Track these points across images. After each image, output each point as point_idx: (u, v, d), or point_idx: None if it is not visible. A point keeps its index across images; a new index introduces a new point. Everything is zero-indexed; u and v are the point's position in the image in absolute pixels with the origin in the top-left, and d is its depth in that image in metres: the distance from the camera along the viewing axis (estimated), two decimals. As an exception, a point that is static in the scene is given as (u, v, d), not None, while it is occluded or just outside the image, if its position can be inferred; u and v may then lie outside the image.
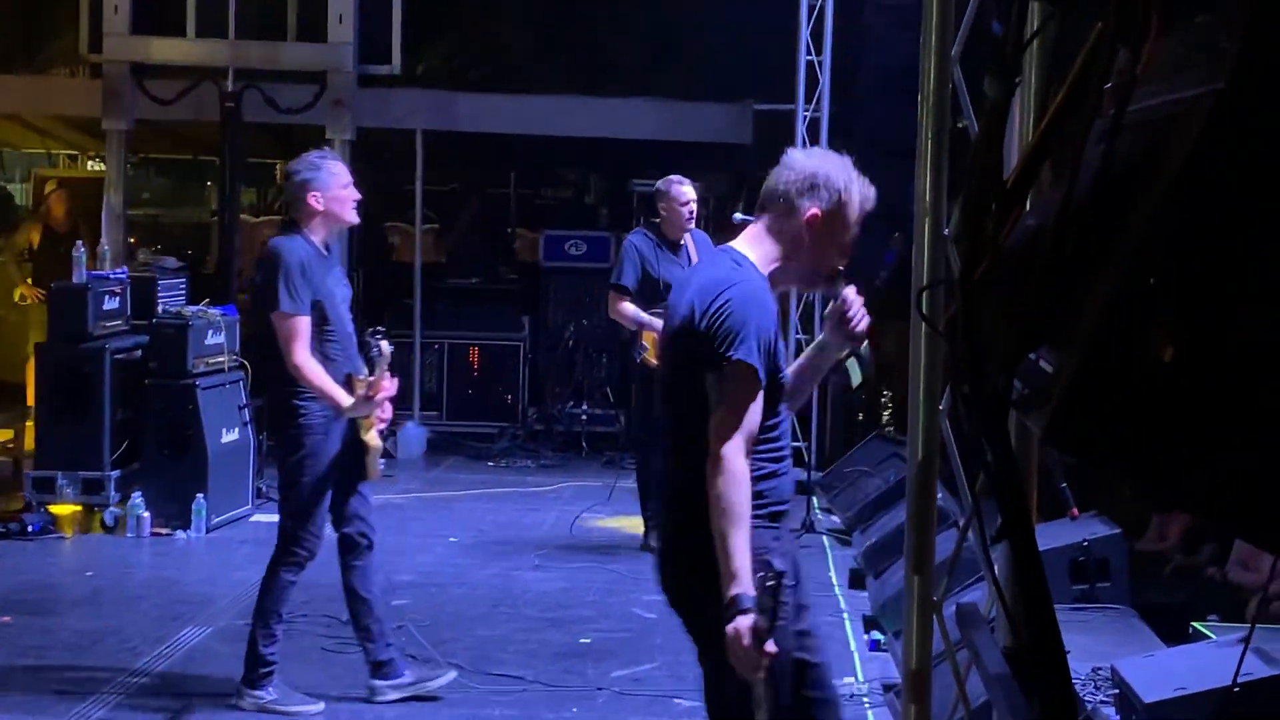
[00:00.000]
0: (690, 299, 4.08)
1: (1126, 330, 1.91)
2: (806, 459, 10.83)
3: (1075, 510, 7.52)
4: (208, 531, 9.93)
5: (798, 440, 9.78)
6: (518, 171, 17.77)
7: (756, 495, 3.89)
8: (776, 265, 4.13)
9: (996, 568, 2.88)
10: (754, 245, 4.17)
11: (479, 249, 15.18)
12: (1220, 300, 1.81)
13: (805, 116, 12.52)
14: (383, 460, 6.95)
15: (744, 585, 3.73)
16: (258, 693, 6.60)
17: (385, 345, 6.71)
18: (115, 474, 9.97)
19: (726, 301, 3.95)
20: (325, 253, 6.61)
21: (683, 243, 9.48)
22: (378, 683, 6.68)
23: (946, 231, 3.34)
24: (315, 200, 6.46)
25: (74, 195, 14.88)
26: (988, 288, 2.28)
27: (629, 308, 9.34)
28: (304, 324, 6.37)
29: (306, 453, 6.52)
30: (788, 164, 4.19)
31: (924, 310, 3.01)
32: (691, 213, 9.56)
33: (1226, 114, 1.84)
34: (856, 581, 8.92)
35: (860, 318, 4.07)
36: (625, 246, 9.62)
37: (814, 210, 4.07)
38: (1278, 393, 1.70)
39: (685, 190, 9.56)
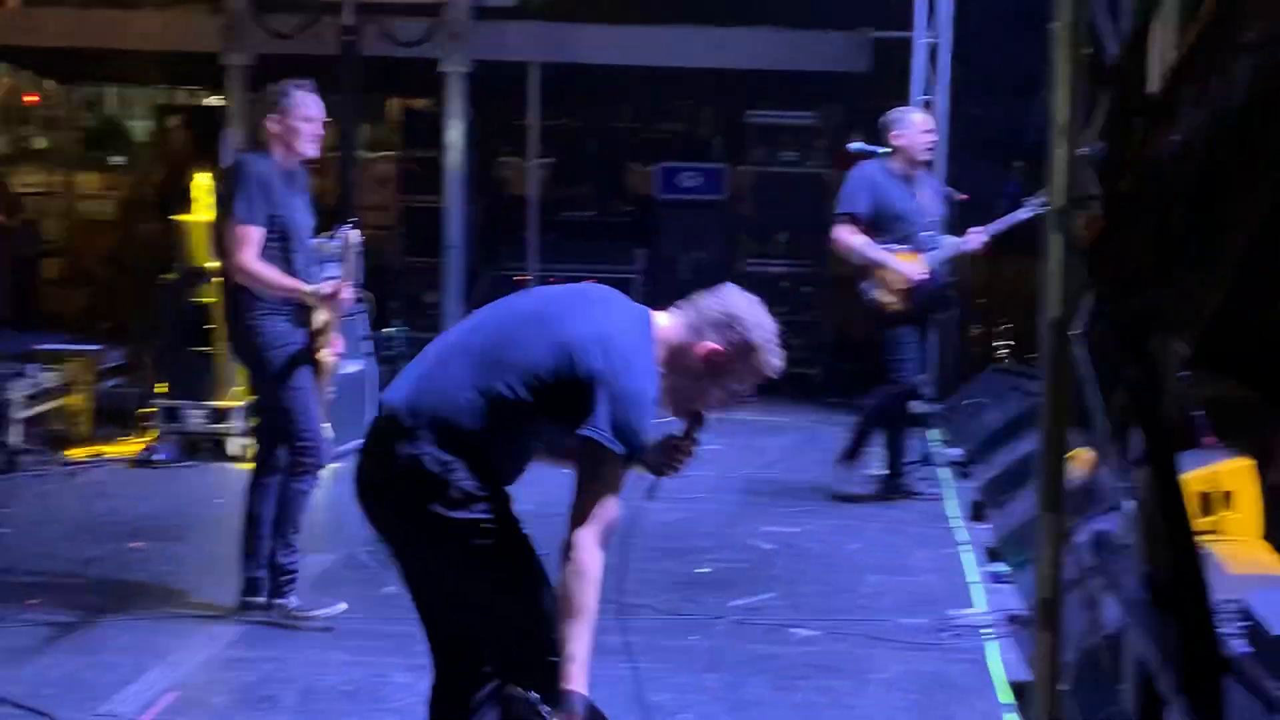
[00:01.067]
0: (587, 340, 3.98)
1: (1274, 258, 1.86)
2: (921, 393, 10.72)
3: (1209, 439, 7.40)
4: (336, 459, 10.04)
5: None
6: (631, 104, 17.73)
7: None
8: (662, 368, 4.08)
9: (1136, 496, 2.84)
10: (667, 333, 4.14)
11: (593, 182, 15.16)
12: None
13: (924, 44, 12.37)
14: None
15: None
16: (282, 601, 6.84)
17: (353, 233, 6.95)
18: (240, 404, 10.10)
19: (634, 388, 3.92)
20: (290, 177, 6.82)
21: (917, 174, 9.23)
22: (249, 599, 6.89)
23: (1081, 151, 3.27)
24: (272, 123, 6.74)
25: (194, 130, 15.07)
26: (1131, 207, 2.23)
27: (860, 239, 9.02)
28: (254, 233, 6.58)
29: (272, 367, 6.74)
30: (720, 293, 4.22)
31: (1062, 233, 2.95)
32: (933, 143, 9.34)
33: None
34: (978, 513, 8.87)
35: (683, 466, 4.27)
36: (856, 174, 9.17)
37: (716, 346, 4.08)
38: None
39: (923, 119, 9.37)
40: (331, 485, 9.54)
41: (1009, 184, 11.83)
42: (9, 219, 15.25)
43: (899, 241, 9.03)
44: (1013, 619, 6.80)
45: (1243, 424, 7.32)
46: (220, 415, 10.04)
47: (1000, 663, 6.45)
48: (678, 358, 4.08)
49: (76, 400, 10.46)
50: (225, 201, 6.76)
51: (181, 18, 15.71)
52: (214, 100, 17.02)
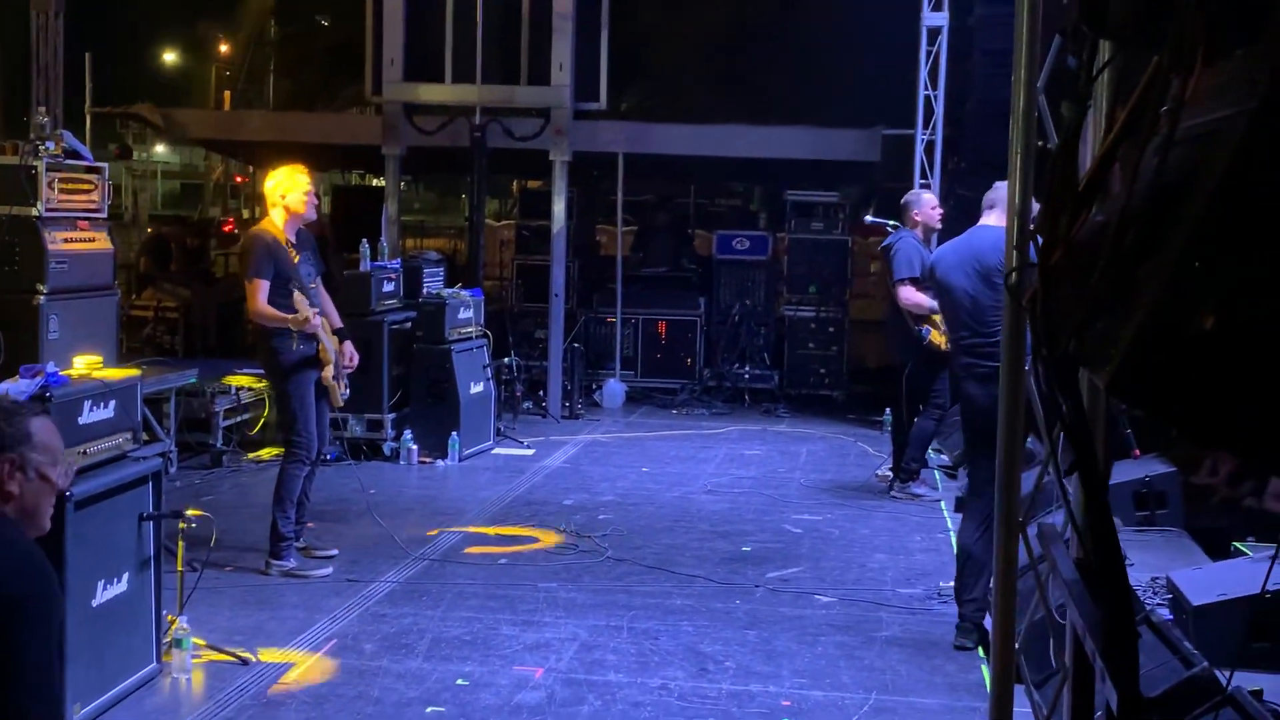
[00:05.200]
0: None
1: (1177, 304, 1.85)
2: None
3: (1137, 451, 7.31)
4: (460, 460, 10.11)
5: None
6: (696, 184, 17.75)
7: None
8: None
9: (1071, 496, 2.81)
10: None
11: (666, 245, 15.17)
12: (1254, 283, 1.75)
13: (923, 139, 12.31)
14: (345, 392, 7.24)
15: None
16: (280, 561, 7.01)
17: (301, 299, 7.00)
18: (391, 416, 10.19)
19: None
20: (293, 240, 7.13)
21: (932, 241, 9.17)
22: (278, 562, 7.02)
23: (1032, 227, 3.26)
24: (285, 197, 7.13)
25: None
26: (1062, 272, 2.21)
27: (922, 296, 8.77)
28: (259, 285, 6.93)
29: (288, 378, 7.01)
30: None
31: (1012, 291, 2.93)
32: (943, 216, 9.30)
33: (1258, 129, 1.76)
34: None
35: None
36: (907, 245, 8.96)
37: None
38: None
39: (933, 198, 9.39)
40: (459, 476, 9.64)
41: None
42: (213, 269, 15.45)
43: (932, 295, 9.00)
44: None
45: (1165, 439, 7.24)
46: (376, 425, 10.12)
47: (977, 624, 6.37)
48: None
49: (266, 413, 10.57)
50: (242, 266, 7.24)
51: (351, 118, 15.91)
52: (377, 183, 17.21)
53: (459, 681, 5.46)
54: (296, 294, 6.98)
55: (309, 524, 7.40)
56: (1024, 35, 2.90)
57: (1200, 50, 1.97)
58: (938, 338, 8.92)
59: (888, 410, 11.69)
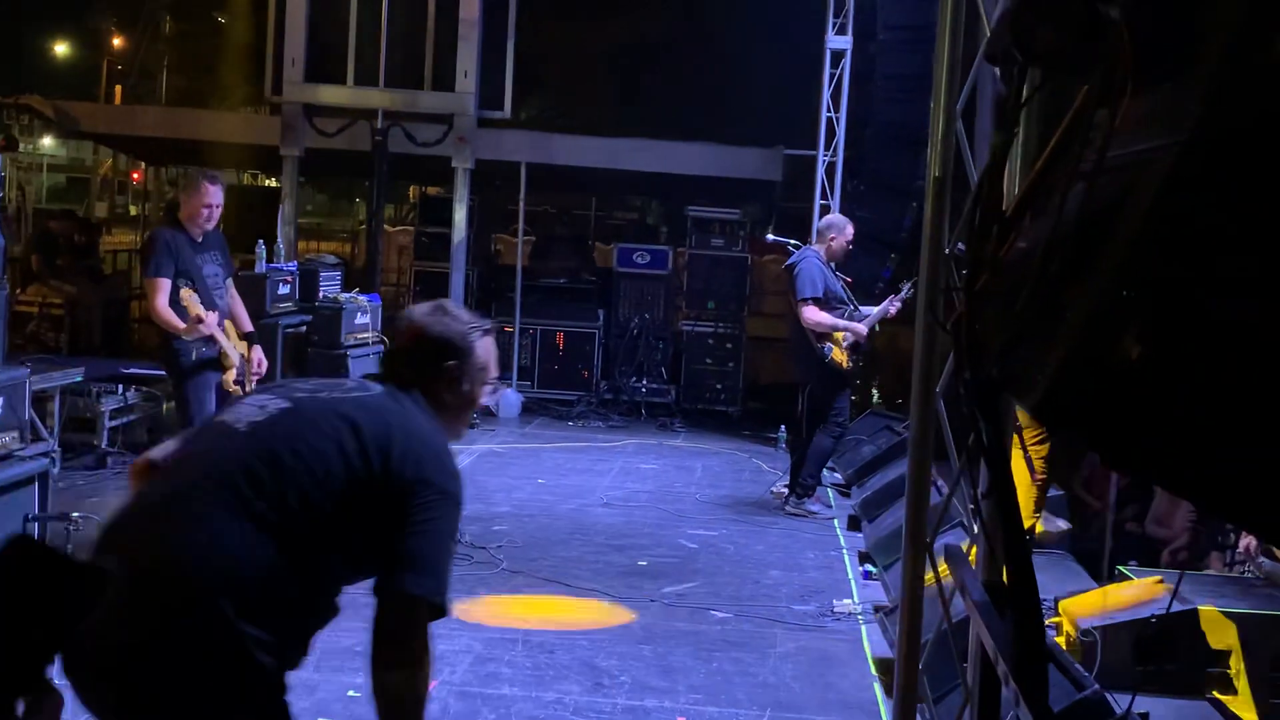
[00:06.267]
0: (393, 441, 2.76)
1: (1104, 332, 1.86)
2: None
3: (1041, 477, 7.43)
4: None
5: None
6: (597, 197, 17.74)
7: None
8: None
9: (982, 518, 2.83)
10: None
11: (565, 256, 15.14)
12: (1179, 312, 1.77)
13: (824, 160, 12.44)
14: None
15: None
16: None
17: (191, 294, 6.92)
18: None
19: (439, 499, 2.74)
20: (198, 239, 7.05)
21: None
22: None
23: (947, 250, 3.30)
24: (182, 204, 7.13)
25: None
26: (986, 297, 2.23)
27: (825, 315, 8.90)
28: (158, 284, 6.87)
29: (186, 380, 6.95)
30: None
31: (931, 313, 2.95)
32: (850, 243, 9.33)
33: (1188, 161, 1.79)
34: (854, 524, 8.86)
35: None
36: (811, 266, 9.01)
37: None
38: (1216, 386, 1.65)
39: (847, 222, 9.41)
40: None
41: (885, 270, 11.88)
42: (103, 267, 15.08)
43: (836, 315, 9.08)
44: (877, 609, 6.78)
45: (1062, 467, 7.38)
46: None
47: (869, 643, 6.43)
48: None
49: (153, 412, 10.33)
50: (143, 263, 7.13)
51: (248, 117, 15.65)
52: (271, 183, 16.95)
53: (350, 693, 5.36)
54: (184, 291, 6.84)
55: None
56: (945, 60, 2.92)
57: (1129, 80, 1.99)
58: (839, 356, 9.00)
59: (783, 427, 11.78)
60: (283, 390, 2.91)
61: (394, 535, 2.67)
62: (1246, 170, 1.69)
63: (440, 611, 2.71)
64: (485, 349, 3.03)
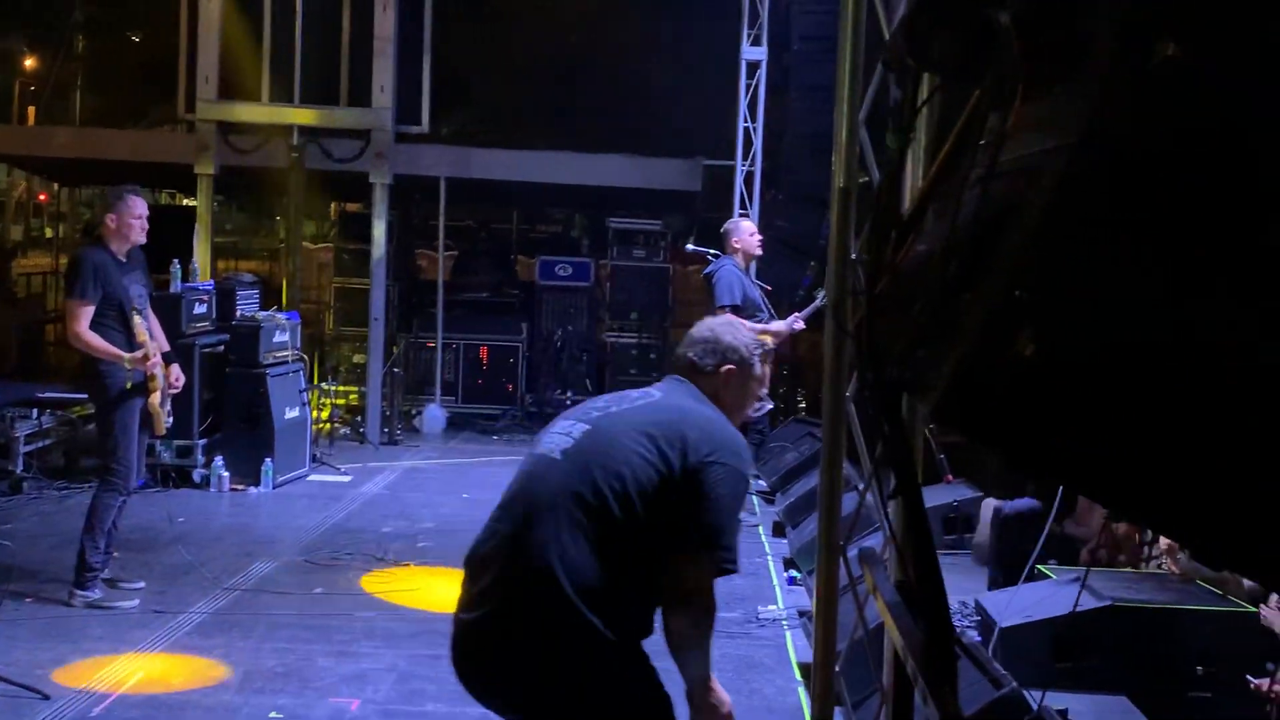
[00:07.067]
0: (686, 435, 3.12)
1: (998, 333, 1.89)
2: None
3: (949, 476, 7.51)
4: (274, 488, 9.86)
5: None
6: (518, 210, 17.69)
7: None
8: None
9: (891, 520, 2.84)
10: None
11: (488, 270, 15.10)
12: (1070, 311, 1.79)
13: (743, 170, 12.51)
14: (169, 420, 7.00)
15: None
16: (85, 593, 6.73)
17: (141, 323, 6.79)
18: (202, 442, 9.87)
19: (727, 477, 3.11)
20: (123, 260, 6.84)
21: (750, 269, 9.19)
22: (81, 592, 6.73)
23: (853, 256, 3.32)
24: (111, 221, 6.80)
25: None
26: (886, 300, 2.25)
27: (744, 323, 8.83)
28: (82, 308, 6.64)
29: (115, 406, 6.71)
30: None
31: (837, 319, 2.97)
32: (762, 243, 9.31)
33: (1078, 164, 1.81)
34: (779, 530, 8.90)
35: None
36: (728, 274, 8.89)
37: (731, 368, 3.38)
38: (1104, 382, 1.67)
39: (752, 226, 9.40)
40: (272, 504, 9.38)
41: (805, 278, 11.96)
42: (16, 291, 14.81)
43: (754, 322, 9.06)
44: (801, 613, 6.82)
45: (977, 465, 7.46)
46: (186, 451, 9.80)
47: (793, 648, 6.45)
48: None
49: (69, 436, 10.16)
50: (68, 284, 6.82)
51: (162, 136, 15.45)
52: (189, 202, 16.73)
53: (272, 715, 5.30)
54: (137, 320, 6.68)
55: (114, 554, 7.10)
56: (846, 69, 2.95)
57: (1020, 86, 2.02)
58: None
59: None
60: (581, 413, 3.31)
61: (694, 507, 3.05)
62: (1131, 172, 1.72)
63: (730, 571, 3.08)
64: (763, 369, 3.44)
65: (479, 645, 3.08)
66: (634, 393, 3.38)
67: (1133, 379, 1.64)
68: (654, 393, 3.33)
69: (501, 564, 3.11)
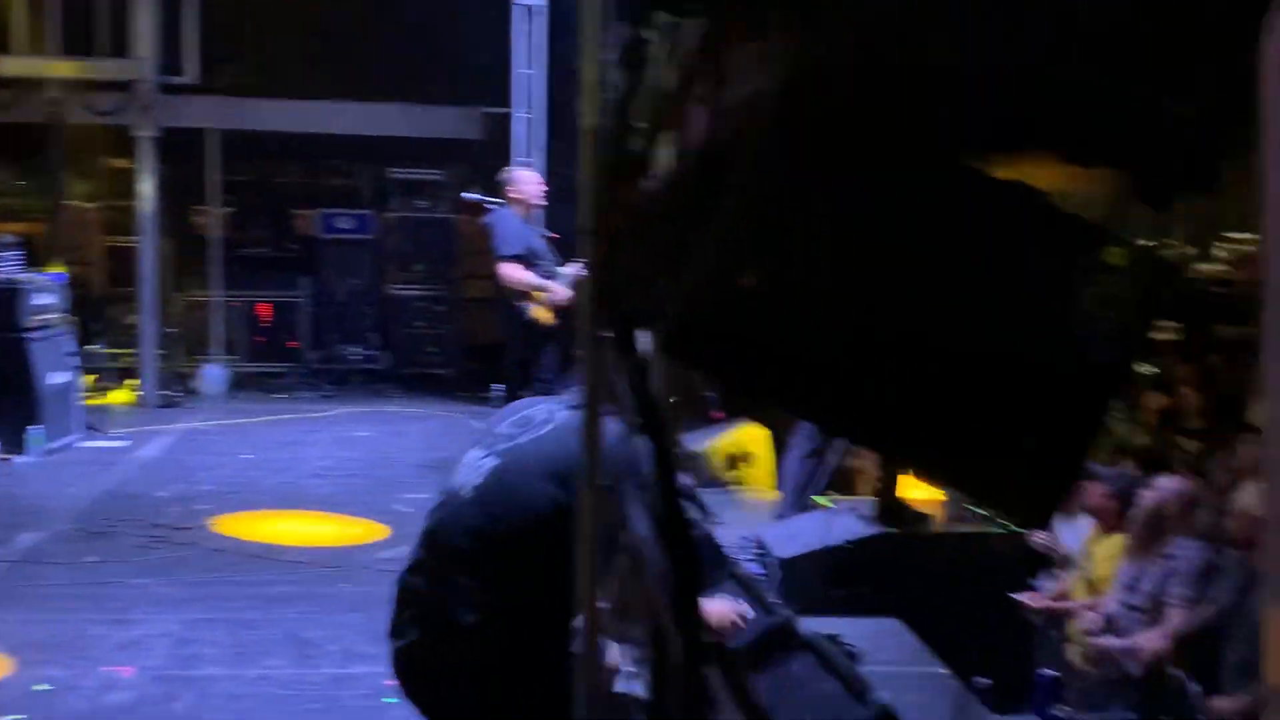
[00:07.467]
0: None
1: (723, 267, 1.91)
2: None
3: (719, 414, 7.61)
4: (43, 455, 9.46)
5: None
6: (298, 163, 17.24)
7: None
8: None
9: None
10: None
11: (267, 225, 14.70)
12: (786, 241, 1.83)
13: (526, 118, 12.40)
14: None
15: None
16: None
17: None
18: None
19: None
20: None
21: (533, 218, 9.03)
22: None
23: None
24: None
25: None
26: (623, 236, 2.26)
27: (525, 273, 8.55)
28: None
29: None
30: None
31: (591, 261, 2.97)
32: (544, 192, 9.13)
33: (781, 111, 1.84)
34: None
35: None
36: (506, 223, 8.68)
37: None
38: (817, 314, 1.72)
39: (533, 174, 9.24)
40: (40, 472, 9.01)
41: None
42: None
43: (538, 273, 8.96)
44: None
45: (747, 401, 7.60)
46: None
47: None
48: None
49: None
50: None
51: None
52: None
53: (38, 687, 5.11)
54: None
55: None
56: (591, 7, 2.94)
57: (743, 19, 2.04)
58: (541, 313, 8.94)
59: (496, 386, 11.76)
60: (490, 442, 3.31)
61: None
62: (836, 107, 1.76)
63: None
64: None
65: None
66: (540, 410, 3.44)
67: (842, 314, 1.70)
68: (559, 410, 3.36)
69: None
